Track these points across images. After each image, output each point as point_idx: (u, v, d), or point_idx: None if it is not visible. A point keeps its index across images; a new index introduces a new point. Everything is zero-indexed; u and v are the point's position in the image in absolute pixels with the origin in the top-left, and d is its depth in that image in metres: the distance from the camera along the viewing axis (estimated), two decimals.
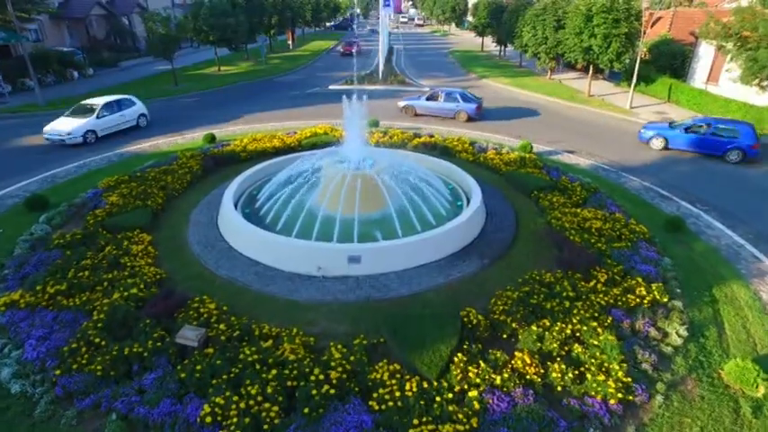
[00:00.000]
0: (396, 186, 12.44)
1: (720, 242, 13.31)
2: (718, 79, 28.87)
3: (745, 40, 24.06)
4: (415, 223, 11.55)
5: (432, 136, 19.71)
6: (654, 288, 9.87)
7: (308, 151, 15.89)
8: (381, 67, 36.63)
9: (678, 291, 10.34)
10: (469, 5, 68.68)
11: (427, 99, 25.83)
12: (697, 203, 15.91)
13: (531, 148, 19.25)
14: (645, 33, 28.14)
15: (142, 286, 9.32)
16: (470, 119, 25.00)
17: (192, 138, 21.01)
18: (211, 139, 19.41)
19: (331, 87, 33.53)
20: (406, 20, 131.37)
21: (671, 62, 32.82)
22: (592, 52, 28.63)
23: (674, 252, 12.30)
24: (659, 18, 36.03)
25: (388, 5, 36.40)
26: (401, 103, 26.27)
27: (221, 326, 8.32)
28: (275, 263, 10.54)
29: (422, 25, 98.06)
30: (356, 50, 47.89)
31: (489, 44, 54.31)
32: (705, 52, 29.87)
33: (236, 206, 12.83)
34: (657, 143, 21.01)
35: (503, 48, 49.20)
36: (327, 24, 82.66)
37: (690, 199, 16.22)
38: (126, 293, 9.02)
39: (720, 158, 19.74)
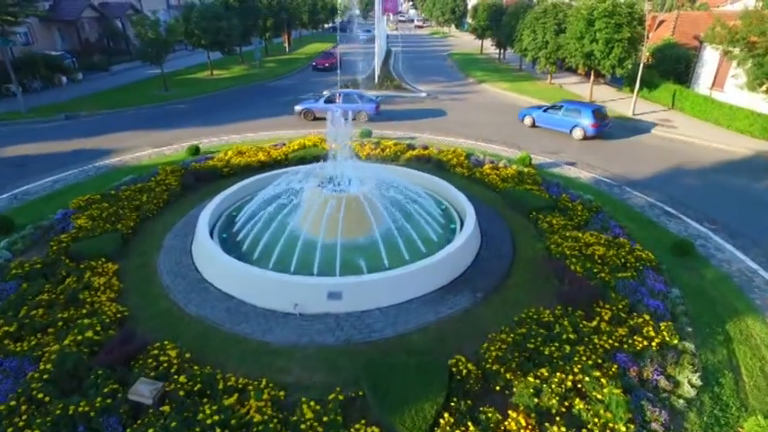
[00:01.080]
0: (383, 209, 11.62)
1: (732, 267, 12.43)
2: (724, 85, 27.99)
3: (752, 46, 23.19)
4: (403, 251, 10.69)
5: (426, 148, 18.82)
6: (663, 328, 8.99)
7: (294, 166, 15.02)
8: (377, 72, 35.73)
9: (689, 329, 9.44)
10: (469, 7, 67.82)
11: (326, 102, 25.22)
12: (705, 222, 15.04)
13: (530, 160, 18.37)
14: (648, 37, 27.25)
15: (99, 328, 8.43)
16: (371, 119, 24.79)
17: (178, 149, 20.14)
18: (195, 151, 18.54)
19: (325, 93, 32.60)
20: (404, 19, 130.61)
21: (675, 67, 31.93)
22: (593, 57, 27.76)
23: (682, 280, 11.42)
24: (662, 21, 35.13)
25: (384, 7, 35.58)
26: (298, 108, 25.43)
27: (181, 378, 7.44)
28: (249, 297, 9.67)
29: (421, 27, 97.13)
30: (329, 65, 41.92)
31: (489, 47, 53.41)
32: (710, 57, 28.98)
33: (212, 230, 12.02)
34: (528, 121, 25.00)
35: (502, 51, 48.31)
36: (326, 26, 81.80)
37: (697, 217, 15.35)
38: (80, 337, 8.14)
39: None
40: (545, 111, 24.24)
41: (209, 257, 10.49)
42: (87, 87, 33.34)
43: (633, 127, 25.33)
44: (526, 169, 16.71)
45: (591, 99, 30.48)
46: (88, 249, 10.92)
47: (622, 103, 29.74)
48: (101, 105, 27.78)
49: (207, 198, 13.62)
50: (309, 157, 17.27)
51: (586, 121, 22.39)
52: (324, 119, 23.78)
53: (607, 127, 23.05)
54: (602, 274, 10.49)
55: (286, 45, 55.56)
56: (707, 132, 24.27)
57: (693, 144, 22.97)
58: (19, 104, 25.33)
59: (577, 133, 22.69)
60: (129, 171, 17.10)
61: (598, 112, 22.88)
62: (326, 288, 9.28)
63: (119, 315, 9.01)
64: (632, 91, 28.53)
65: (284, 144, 19.08)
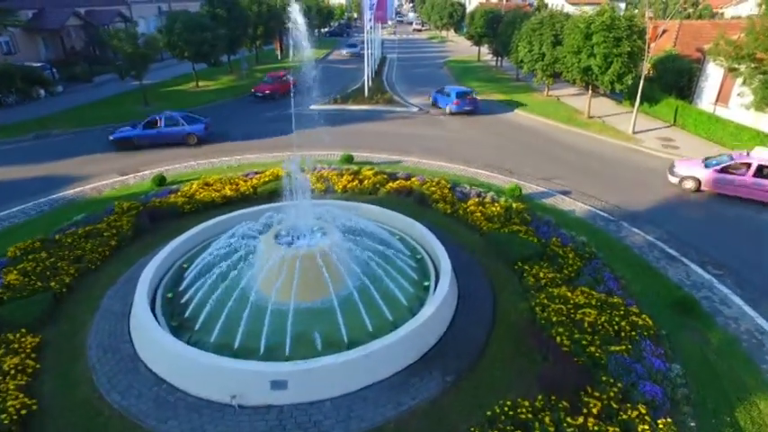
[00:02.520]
0: (346, 266, 10.35)
1: (740, 327, 11.12)
2: (728, 100, 26.56)
3: (759, 63, 21.84)
4: (365, 319, 9.41)
5: (408, 178, 17.49)
6: (661, 427, 7.66)
7: (258, 206, 13.75)
8: (368, 84, 34.36)
9: (692, 424, 8.12)
10: (468, 12, 66.42)
11: (145, 127, 22.72)
12: (708, 265, 13.72)
13: (521, 192, 17.05)
14: (649, 48, 25.87)
15: None
16: (200, 141, 23.21)
17: (145, 176, 18.84)
18: (160, 181, 17.28)
19: (312, 108, 31.33)
20: (402, 20, 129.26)
21: (677, 80, 30.50)
22: (591, 73, 26.39)
23: (685, 349, 10.11)
24: (664, 31, 33.72)
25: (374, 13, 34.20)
26: (112, 137, 22.35)
27: None
28: (182, 382, 8.38)
29: (420, 30, 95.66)
30: (270, 92, 32.89)
31: (486, 54, 52.00)
32: (713, 70, 27.56)
33: (158, 287, 10.75)
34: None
35: (499, 59, 46.92)
36: (322, 30, 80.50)
37: (700, 259, 14.03)
38: None
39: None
40: (438, 92, 31.49)
41: (141, 329, 9.21)
42: (66, 101, 32.11)
43: (631, 156, 23.98)
44: (515, 204, 15.37)
45: (589, 114, 29.15)
46: (10, 316, 9.65)
47: (622, 119, 28.35)
48: (74, 123, 26.56)
49: (162, 243, 12.37)
50: (280, 190, 15.99)
51: (452, 100, 29.35)
52: (151, 146, 22.51)
53: (470, 105, 29.45)
54: (592, 348, 9.15)
55: (278, 52, 54.25)
56: (710, 153, 22.83)
57: None
58: None
59: (448, 109, 29.69)
60: (85, 206, 15.83)
61: (460, 95, 29.72)
62: (270, 376, 7.97)
63: (23, 411, 7.70)
64: (632, 105, 27.17)
65: (257, 173, 17.79)
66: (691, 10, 73.07)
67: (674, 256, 14.10)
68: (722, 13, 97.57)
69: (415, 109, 31.32)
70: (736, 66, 22.90)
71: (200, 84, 37.27)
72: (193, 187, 16.04)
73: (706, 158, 18.87)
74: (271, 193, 15.59)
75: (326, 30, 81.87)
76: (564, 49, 27.81)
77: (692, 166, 18.46)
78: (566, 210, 16.74)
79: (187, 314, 9.94)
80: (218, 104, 32.35)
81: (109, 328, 9.88)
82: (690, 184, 18.22)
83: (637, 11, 75.20)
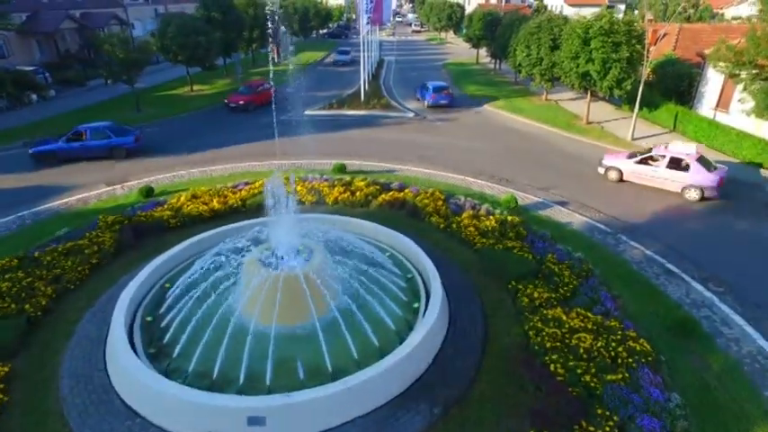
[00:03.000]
0: (332, 287, 9.95)
1: (741, 350, 10.72)
2: (729, 106, 26.14)
3: (761, 69, 21.44)
4: (351, 345, 9.02)
5: (402, 189, 17.09)
6: None
7: (243, 222, 13.35)
8: (364, 89, 33.95)
9: None
10: (467, 13, 66.03)
11: (68, 140, 21.23)
12: (709, 282, 13.31)
13: (516, 203, 16.67)
14: (649, 52, 25.45)
15: None
16: (130, 153, 21.88)
17: (134, 186, 18.44)
18: (148, 192, 16.89)
19: (307, 113, 30.96)
20: (402, 20, 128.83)
21: (677, 84, 30.08)
22: (589, 78, 25.99)
23: (684, 376, 9.69)
24: (664, 35, 33.30)
25: (370, 16, 33.76)
26: (32, 151, 21.05)
27: None
28: (156, 417, 7.98)
29: (419, 31, 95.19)
30: (244, 102, 30.65)
31: (485, 56, 51.58)
32: (714, 75, 27.11)
33: (136, 312, 10.36)
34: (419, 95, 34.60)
35: (497, 62, 46.51)
36: (321, 32, 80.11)
37: (700, 275, 13.62)
38: None
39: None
40: (421, 87, 34.30)
41: (115, 358, 8.82)
42: (58, 106, 31.76)
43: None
44: (510, 218, 14.96)
45: (588, 119, 28.75)
46: None
47: (621, 125, 27.98)
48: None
49: (146, 260, 12.02)
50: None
51: (430, 94, 32.32)
52: (78, 160, 21.08)
53: (446, 99, 32.13)
54: (588, 377, 8.74)
55: (274, 55, 53.80)
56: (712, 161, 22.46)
57: None
58: None
59: (426, 102, 32.61)
60: (68, 219, 15.43)
61: (437, 89, 32.60)
62: (246, 412, 7.57)
63: None
64: (632, 110, 26.76)
65: (247, 183, 17.40)
66: (691, 11, 72.68)
67: (673, 272, 13.69)
68: (722, 14, 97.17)
69: (411, 114, 30.92)
70: (737, 72, 22.48)
71: (195, 88, 36.87)
72: (181, 200, 15.64)
73: (631, 153, 20.45)
74: (260, 206, 15.14)
75: (325, 31, 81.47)
76: (562, 54, 27.40)
77: (616, 159, 20.09)
78: (563, 222, 16.34)
79: (166, 339, 9.55)
80: (209, 110, 31.89)
81: (83, 354, 9.48)
82: (614, 175, 19.88)
83: (636, 12, 74.88)
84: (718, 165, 18.83)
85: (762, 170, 20.80)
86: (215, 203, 15.28)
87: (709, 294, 12.70)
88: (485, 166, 21.53)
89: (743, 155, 22.48)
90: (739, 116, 24.23)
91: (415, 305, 10.59)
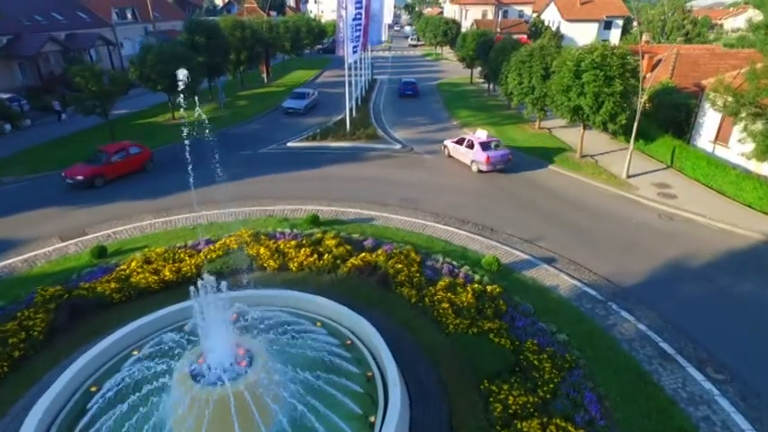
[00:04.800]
0: (264, 413, 8.59)
1: None
2: (728, 139, 24.82)
3: (763, 109, 20.18)
4: None
5: (375, 248, 15.79)
6: None
7: (185, 302, 11.98)
8: (350, 117, 32.64)
9: None
10: (462, 30, 65.08)
11: None
12: (708, 366, 12.02)
13: (499, 265, 15.38)
14: (645, 81, 24.20)
15: None
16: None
17: (89, 242, 17.10)
18: (100, 252, 15.61)
19: (289, 144, 29.76)
20: (398, 30, 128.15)
21: (674, 115, 28.77)
22: (582, 112, 24.76)
23: None
24: (659, 61, 32.09)
25: (356, 46, 32.47)
26: None
27: None
28: None
29: (415, 46, 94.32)
30: (85, 178, 21.71)
31: (478, 75, 50.46)
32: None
33: (51, 424, 9.02)
34: None
35: (491, 85, 45.35)
36: (316, 47, 79.23)
37: (698, 356, 12.40)
38: None
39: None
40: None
41: None
42: (32, 137, 30.64)
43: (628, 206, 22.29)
44: (489, 288, 13.66)
45: (581, 150, 27.49)
46: None
47: (616, 158, 26.69)
48: (32, 166, 25.03)
49: (78, 348, 10.81)
50: (227, 269, 14.42)
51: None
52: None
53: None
54: None
55: (264, 76, 52.73)
56: (710, 204, 21.22)
57: (695, 223, 19.89)
58: None
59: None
60: (7, 288, 14.10)
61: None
62: None
63: None
64: (627, 141, 25.43)
65: (208, 242, 16.15)
66: (690, 26, 71.62)
67: (668, 355, 12.36)
68: (721, 24, 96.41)
69: (398, 146, 29.65)
70: (736, 111, 21.20)
71: (177, 115, 35.68)
72: (131, 265, 14.32)
73: (459, 138, 26.90)
74: (217, 273, 13.87)
75: (319, 47, 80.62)
76: (552, 88, 26.19)
77: (448, 142, 27.42)
78: (548, 286, 15.01)
79: None
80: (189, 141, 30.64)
81: None
82: (446, 152, 27.41)
83: (635, 28, 73.84)
84: (500, 147, 25.12)
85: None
86: (167, 272, 13.95)
87: (709, 386, 11.38)
88: (468, 209, 20.27)
89: (743, 197, 21.20)
90: (739, 151, 22.95)
91: (371, 418, 9.23)
